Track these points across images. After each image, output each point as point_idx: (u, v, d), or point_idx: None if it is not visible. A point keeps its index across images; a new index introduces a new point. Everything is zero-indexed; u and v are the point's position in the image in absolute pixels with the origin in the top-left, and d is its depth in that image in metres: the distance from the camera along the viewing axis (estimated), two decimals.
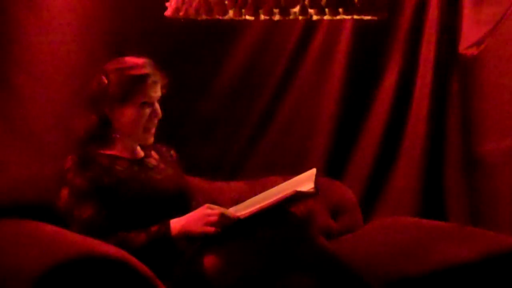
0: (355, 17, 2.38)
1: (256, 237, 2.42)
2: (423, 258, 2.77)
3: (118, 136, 2.61)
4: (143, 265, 2.29)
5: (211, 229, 2.41)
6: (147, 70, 2.58)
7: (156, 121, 2.62)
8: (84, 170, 2.50)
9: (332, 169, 3.47)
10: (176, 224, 2.44)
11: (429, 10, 3.53)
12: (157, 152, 2.74)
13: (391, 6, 3.43)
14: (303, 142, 3.49)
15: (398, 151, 3.56)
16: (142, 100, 2.57)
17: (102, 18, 3.01)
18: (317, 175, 2.52)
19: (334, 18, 2.34)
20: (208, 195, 2.99)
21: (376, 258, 2.75)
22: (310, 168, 2.58)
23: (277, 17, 2.28)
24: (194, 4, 2.31)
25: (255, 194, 2.63)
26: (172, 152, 2.81)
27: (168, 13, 2.44)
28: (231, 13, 2.30)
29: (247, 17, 2.30)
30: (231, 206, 2.64)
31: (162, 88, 2.63)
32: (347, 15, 2.33)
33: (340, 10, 2.29)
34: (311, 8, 2.29)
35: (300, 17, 2.32)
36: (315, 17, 2.33)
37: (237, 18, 2.32)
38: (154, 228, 2.44)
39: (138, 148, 2.68)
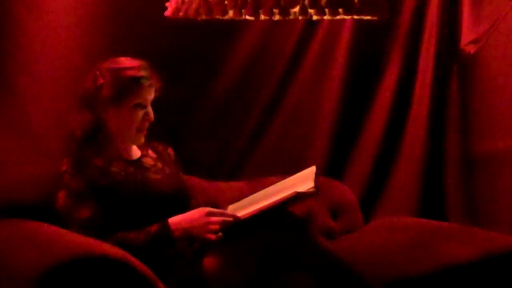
0: (355, 17, 2.37)
1: (256, 237, 2.42)
2: (423, 258, 2.77)
3: (112, 136, 2.60)
4: (143, 265, 2.29)
5: (213, 236, 2.41)
6: (142, 73, 2.58)
7: (148, 123, 2.62)
8: (80, 172, 2.51)
9: (332, 169, 3.47)
10: (177, 225, 2.44)
11: (429, 10, 3.53)
12: (154, 151, 2.74)
13: (391, 6, 3.42)
14: (303, 142, 3.49)
15: (398, 151, 3.56)
16: (136, 102, 2.57)
17: (102, 18, 3.00)
18: (317, 174, 2.52)
19: (334, 18, 2.34)
20: (208, 195, 2.99)
21: (376, 258, 2.75)
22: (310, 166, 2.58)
23: (277, 17, 2.28)
24: (194, 4, 2.31)
25: None
26: (170, 150, 2.80)
27: (168, 13, 2.44)
28: (231, 13, 2.30)
29: (247, 17, 2.30)
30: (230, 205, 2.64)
31: (156, 91, 2.63)
32: (347, 15, 2.33)
33: (340, 10, 2.29)
34: (311, 8, 2.28)
35: (300, 17, 2.32)
36: (315, 17, 2.33)
37: (237, 18, 2.31)
38: (153, 228, 2.44)
39: (135, 147, 2.68)
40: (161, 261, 2.42)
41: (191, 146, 3.20)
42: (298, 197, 2.45)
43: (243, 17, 2.30)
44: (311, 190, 2.46)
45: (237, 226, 2.45)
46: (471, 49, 3.44)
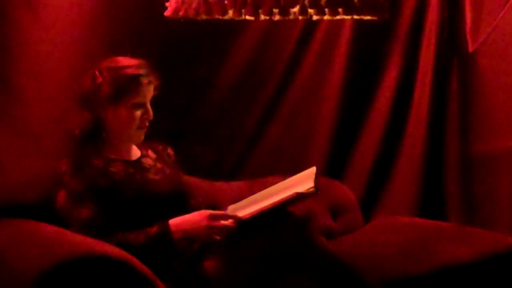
0: (355, 17, 2.38)
1: (256, 238, 2.42)
2: (423, 258, 2.77)
3: (112, 136, 2.60)
4: (143, 265, 2.29)
5: (215, 238, 2.41)
6: (141, 71, 2.58)
7: (147, 122, 2.62)
8: (80, 173, 2.51)
9: (332, 169, 3.47)
10: (178, 227, 2.44)
11: (429, 10, 3.53)
12: (154, 151, 2.74)
13: (391, 6, 3.43)
14: (303, 142, 3.49)
15: (398, 151, 3.55)
16: (134, 100, 2.57)
17: (102, 18, 3.00)
18: (317, 174, 2.52)
19: (334, 18, 2.34)
20: (208, 195, 2.99)
21: (376, 258, 2.75)
22: (310, 167, 2.58)
23: (277, 17, 2.28)
24: (193, 4, 2.31)
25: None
26: (169, 150, 2.80)
27: (168, 13, 2.44)
28: (231, 13, 2.30)
29: (247, 17, 2.30)
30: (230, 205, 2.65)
31: (155, 89, 2.63)
32: (347, 15, 2.33)
33: (340, 10, 2.30)
34: (311, 8, 2.29)
35: (300, 17, 2.32)
36: (315, 17, 2.33)
37: (237, 18, 2.32)
38: (153, 229, 2.43)
39: (134, 148, 2.68)
40: (161, 261, 2.42)
41: (191, 146, 3.20)
42: (298, 197, 2.46)
43: (243, 17, 2.30)
44: (311, 190, 2.46)
45: (238, 226, 2.45)
46: (470, 47, 3.44)
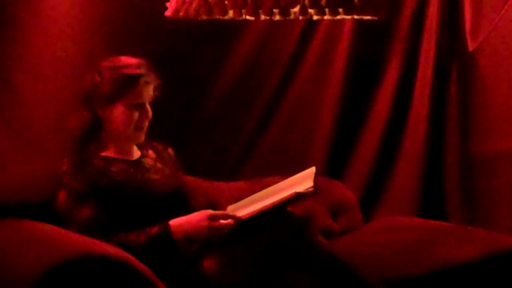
0: (355, 17, 2.37)
1: (256, 237, 2.42)
2: (423, 258, 2.77)
3: (111, 135, 2.60)
4: (143, 265, 2.29)
5: (215, 238, 2.42)
6: (140, 71, 2.58)
7: (146, 122, 2.62)
8: (80, 172, 2.51)
9: (332, 169, 3.47)
10: (178, 228, 2.44)
11: (429, 10, 3.53)
12: (154, 151, 2.73)
13: (391, 6, 3.43)
14: (303, 142, 3.49)
15: (398, 151, 3.55)
16: (133, 100, 2.57)
17: (102, 18, 3.00)
18: (316, 174, 2.52)
19: (334, 18, 2.33)
20: (208, 195, 2.99)
21: (376, 258, 2.75)
22: (310, 167, 2.58)
23: (277, 17, 2.28)
24: (194, 4, 2.31)
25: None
26: (170, 150, 2.80)
27: (168, 13, 2.44)
28: (231, 13, 2.30)
29: (247, 17, 2.30)
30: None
31: (155, 89, 2.63)
32: (347, 15, 2.33)
33: (340, 10, 2.29)
34: (311, 8, 2.28)
35: (300, 17, 2.32)
36: (315, 17, 2.33)
37: (237, 18, 2.31)
38: (154, 230, 2.44)
39: (135, 148, 2.68)
40: (162, 261, 2.42)
41: (191, 146, 3.20)
42: (297, 197, 2.46)
43: (243, 17, 2.30)
44: (310, 190, 2.46)
45: (237, 226, 2.45)
46: (470, 46, 3.44)
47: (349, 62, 3.51)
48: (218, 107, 3.34)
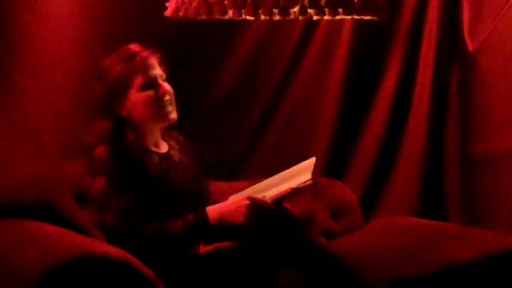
0: (355, 17, 2.37)
1: (256, 237, 2.42)
2: (423, 258, 2.77)
3: (139, 128, 2.55)
4: (143, 265, 2.29)
5: (250, 218, 2.42)
6: (132, 50, 2.55)
7: (167, 97, 2.55)
8: (120, 161, 2.46)
9: (332, 169, 3.47)
10: (213, 211, 2.44)
11: (429, 10, 3.53)
12: (175, 141, 2.71)
13: (391, 6, 3.43)
14: (303, 142, 3.49)
15: (398, 151, 3.56)
16: (140, 80, 2.53)
17: (102, 18, 3.00)
18: (315, 165, 2.51)
19: (334, 18, 2.33)
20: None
21: (376, 258, 2.75)
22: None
23: (276, 17, 2.28)
24: (193, 4, 2.31)
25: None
26: (182, 138, 2.76)
27: (168, 13, 2.43)
28: (231, 13, 2.30)
29: (247, 17, 2.30)
30: None
31: (160, 64, 2.59)
32: (347, 15, 2.33)
33: (340, 10, 2.29)
34: (311, 8, 2.28)
35: (300, 17, 2.32)
36: (315, 17, 2.33)
37: (237, 18, 2.31)
38: (190, 216, 2.42)
39: (161, 141, 2.65)
40: (161, 261, 2.42)
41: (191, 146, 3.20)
42: (295, 192, 2.46)
43: (243, 17, 2.30)
44: (308, 182, 2.46)
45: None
46: (470, 46, 3.44)
47: (349, 62, 3.51)
48: (218, 107, 3.34)
